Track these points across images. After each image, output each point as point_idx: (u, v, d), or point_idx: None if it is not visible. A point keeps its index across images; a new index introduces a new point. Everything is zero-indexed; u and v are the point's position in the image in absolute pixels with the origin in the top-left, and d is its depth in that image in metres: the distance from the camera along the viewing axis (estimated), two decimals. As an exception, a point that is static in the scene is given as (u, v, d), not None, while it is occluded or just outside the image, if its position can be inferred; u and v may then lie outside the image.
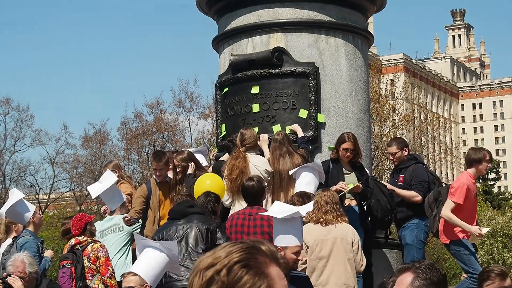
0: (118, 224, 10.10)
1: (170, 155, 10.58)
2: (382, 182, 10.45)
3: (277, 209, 6.90)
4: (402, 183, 10.05)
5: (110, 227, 10.18)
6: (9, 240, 10.01)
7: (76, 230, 9.29)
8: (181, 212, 7.91)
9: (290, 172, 9.09)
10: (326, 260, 8.23)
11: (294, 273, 6.70)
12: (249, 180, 8.43)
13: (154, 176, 10.38)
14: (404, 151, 10.18)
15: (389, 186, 9.95)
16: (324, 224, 8.25)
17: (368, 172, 10.23)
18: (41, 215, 10.16)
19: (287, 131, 10.18)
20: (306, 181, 8.90)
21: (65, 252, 9.30)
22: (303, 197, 8.48)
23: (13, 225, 10.18)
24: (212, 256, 2.52)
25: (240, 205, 8.99)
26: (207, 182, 8.91)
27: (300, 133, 10.20)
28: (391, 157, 10.59)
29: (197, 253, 7.58)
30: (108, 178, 9.98)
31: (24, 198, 9.85)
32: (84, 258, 9.06)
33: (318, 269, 8.23)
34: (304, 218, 7.42)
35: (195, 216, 7.86)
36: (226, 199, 9.33)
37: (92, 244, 9.17)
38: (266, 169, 9.37)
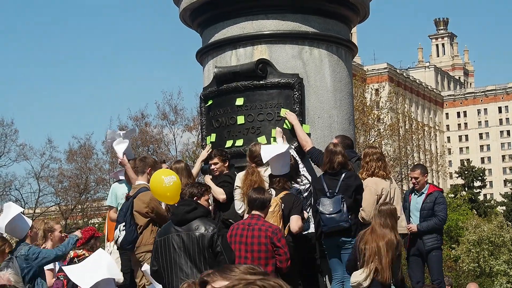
0: None
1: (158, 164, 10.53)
2: None
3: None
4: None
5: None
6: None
7: (82, 239, 9.83)
8: (180, 218, 7.75)
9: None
10: None
11: None
12: (253, 191, 8.77)
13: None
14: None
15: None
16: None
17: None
18: (37, 229, 10.12)
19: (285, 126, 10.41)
20: (281, 164, 9.33)
21: (66, 263, 9.35)
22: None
23: (49, 233, 10.22)
24: None
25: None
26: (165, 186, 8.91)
27: (280, 139, 10.24)
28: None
29: (199, 269, 7.49)
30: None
31: (22, 212, 9.75)
32: None
33: None
34: None
35: (195, 223, 7.73)
36: (239, 207, 9.70)
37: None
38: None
